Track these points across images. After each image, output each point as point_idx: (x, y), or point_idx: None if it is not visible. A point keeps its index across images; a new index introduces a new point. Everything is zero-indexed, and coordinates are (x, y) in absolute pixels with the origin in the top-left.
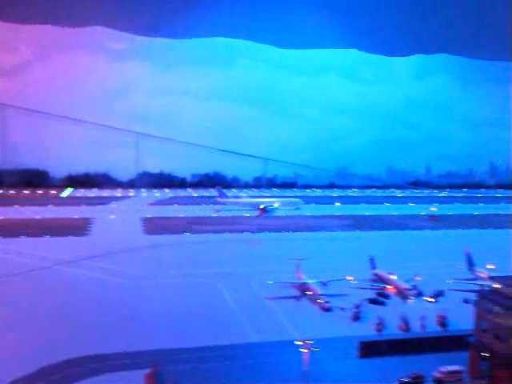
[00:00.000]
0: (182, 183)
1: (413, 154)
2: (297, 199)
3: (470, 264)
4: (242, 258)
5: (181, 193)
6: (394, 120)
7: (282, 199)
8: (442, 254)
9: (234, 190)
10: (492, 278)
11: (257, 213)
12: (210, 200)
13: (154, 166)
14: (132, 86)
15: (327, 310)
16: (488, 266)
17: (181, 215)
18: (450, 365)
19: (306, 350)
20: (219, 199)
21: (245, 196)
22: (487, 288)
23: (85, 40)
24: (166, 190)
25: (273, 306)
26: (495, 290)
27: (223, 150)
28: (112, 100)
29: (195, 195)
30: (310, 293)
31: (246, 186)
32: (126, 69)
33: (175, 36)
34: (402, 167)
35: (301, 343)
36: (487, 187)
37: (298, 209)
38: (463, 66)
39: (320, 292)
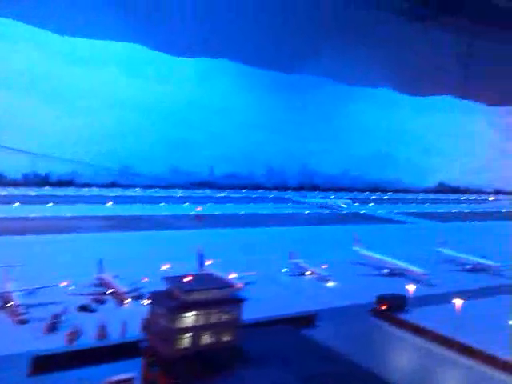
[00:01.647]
0: None
1: (197, 154)
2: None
3: (201, 264)
4: None
5: None
6: (177, 120)
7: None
8: (187, 253)
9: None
10: (165, 279)
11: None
12: None
13: None
14: None
15: (23, 322)
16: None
17: None
18: (129, 372)
19: None
20: None
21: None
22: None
23: None
24: None
25: None
26: (164, 292)
27: None
28: None
29: None
30: (9, 304)
31: (14, 183)
32: None
33: None
34: (187, 168)
35: None
36: (265, 188)
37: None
38: (244, 73)
39: (21, 302)
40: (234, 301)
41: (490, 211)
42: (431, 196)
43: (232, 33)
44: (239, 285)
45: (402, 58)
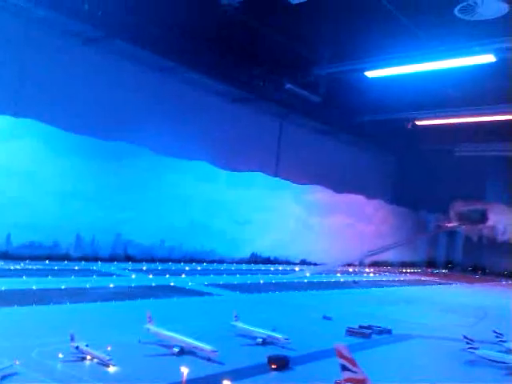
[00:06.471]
0: None
1: None
2: None
3: None
4: None
5: None
6: None
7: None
8: None
9: None
10: None
11: None
12: None
13: None
14: None
15: None
16: None
17: None
18: None
19: None
20: None
21: None
22: None
23: None
24: None
25: None
26: None
27: None
28: None
29: None
30: None
31: None
32: None
33: None
34: None
35: None
36: (71, 259)
37: None
38: (54, 136)
39: None
40: None
41: (293, 282)
42: (244, 266)
43: (41, 91)
44: None
45: (219, 134)
